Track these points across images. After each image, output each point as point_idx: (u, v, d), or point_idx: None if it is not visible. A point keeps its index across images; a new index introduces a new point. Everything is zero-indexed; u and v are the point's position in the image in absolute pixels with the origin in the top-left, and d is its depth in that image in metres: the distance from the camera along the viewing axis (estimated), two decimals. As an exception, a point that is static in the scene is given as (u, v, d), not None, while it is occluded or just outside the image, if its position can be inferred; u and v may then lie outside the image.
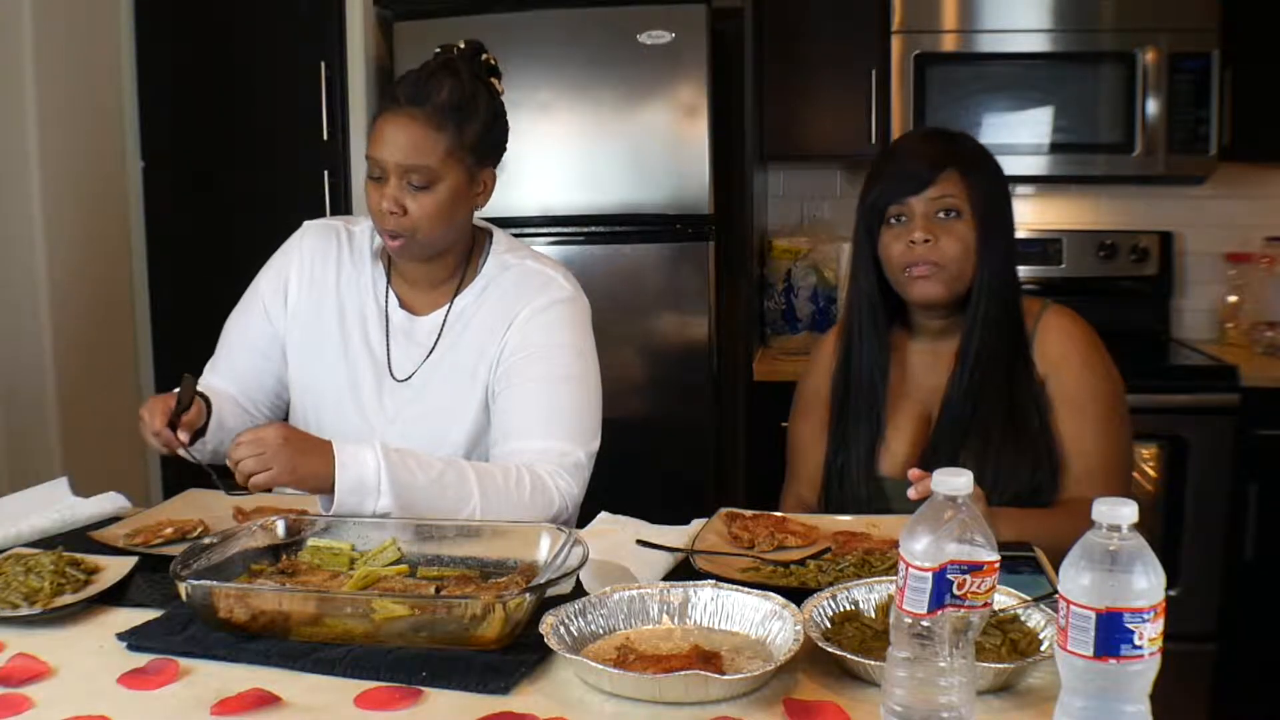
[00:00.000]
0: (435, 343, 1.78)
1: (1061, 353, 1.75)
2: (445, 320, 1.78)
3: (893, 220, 1.76)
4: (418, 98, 1.65)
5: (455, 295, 1.79)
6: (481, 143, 1.70)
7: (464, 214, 1.73)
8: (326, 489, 1.50)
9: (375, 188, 1.68)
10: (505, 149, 1.77)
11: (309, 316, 1.83)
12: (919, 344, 1.84)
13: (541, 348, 1.73)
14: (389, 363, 1.79)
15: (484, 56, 1.74)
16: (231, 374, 1.85)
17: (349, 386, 1.78)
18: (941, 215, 1.73)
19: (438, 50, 1.73)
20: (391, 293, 1.82)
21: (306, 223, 1.91)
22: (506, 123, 1.76)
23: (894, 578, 1.00)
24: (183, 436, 1.58)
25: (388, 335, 1.80)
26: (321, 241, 1.86)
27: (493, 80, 1.74)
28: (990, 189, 1.76)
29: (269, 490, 1.56)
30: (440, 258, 1.76)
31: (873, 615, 1.22)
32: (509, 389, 1.73)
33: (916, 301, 1.78)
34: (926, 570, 0.94)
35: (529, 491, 1.61)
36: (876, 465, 1.79)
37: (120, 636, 1.24)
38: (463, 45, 1.73)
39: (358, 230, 1.86)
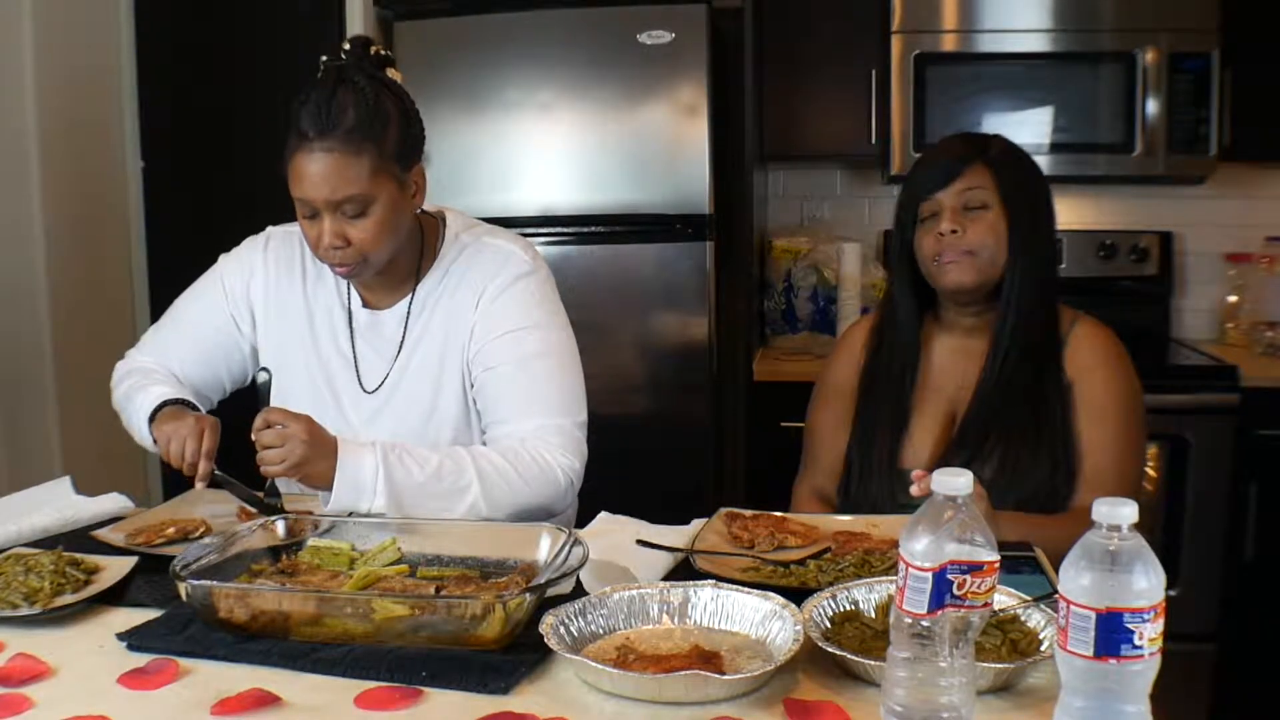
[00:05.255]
0: (403, 337, 1.78)
1: (1092, 360, 1.77)
2: (409, 311, 1.78)
3: (925, 218, 1.78)
4: (326, 127, 1.58)
5: (416, 285, 1.78)
6: (401, 148, 1.64)
7: (406, 220, 1.70)
8: (327, 486, 1.56)
9: (310, 225, 1.64)
10: (424, 139, 1.71)
11: (280, 333, 1.82)
12: (950, 339, 1.85)
13: (512, 328, 1.73)
14: (357, 368, 1.79)
15: (372, 50, 1.67)
16: (179, 359, 1.86)
17: (330, 397, 1.78)
18: (970, 208, 1.75)
19: (324, 59, 1.66)
20: (353, 291, 1.81)
21: (270, 229, 1.89)
22: (418, 114, 1.70)
23: (894, 578, 1.00)
24: (205, 467, 1.63)
25: (353, 337, 1.80)
26: (285, 251, 1.85)
27: (389, 71, 1.68)
28: (1022, 182, 1.78)
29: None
30: (393, 261, 1.73)
31: (873, 615, 1.21)
32: (487, 373, 1.73)
33: (948, 289, 1.79)
34: (926, 570, 0.94)
35: (530, 469, 1.64)
36: (899, 459, 1.80)
37: (120, 636, 1.24)
38: (348, 46, 1.66)
39: None
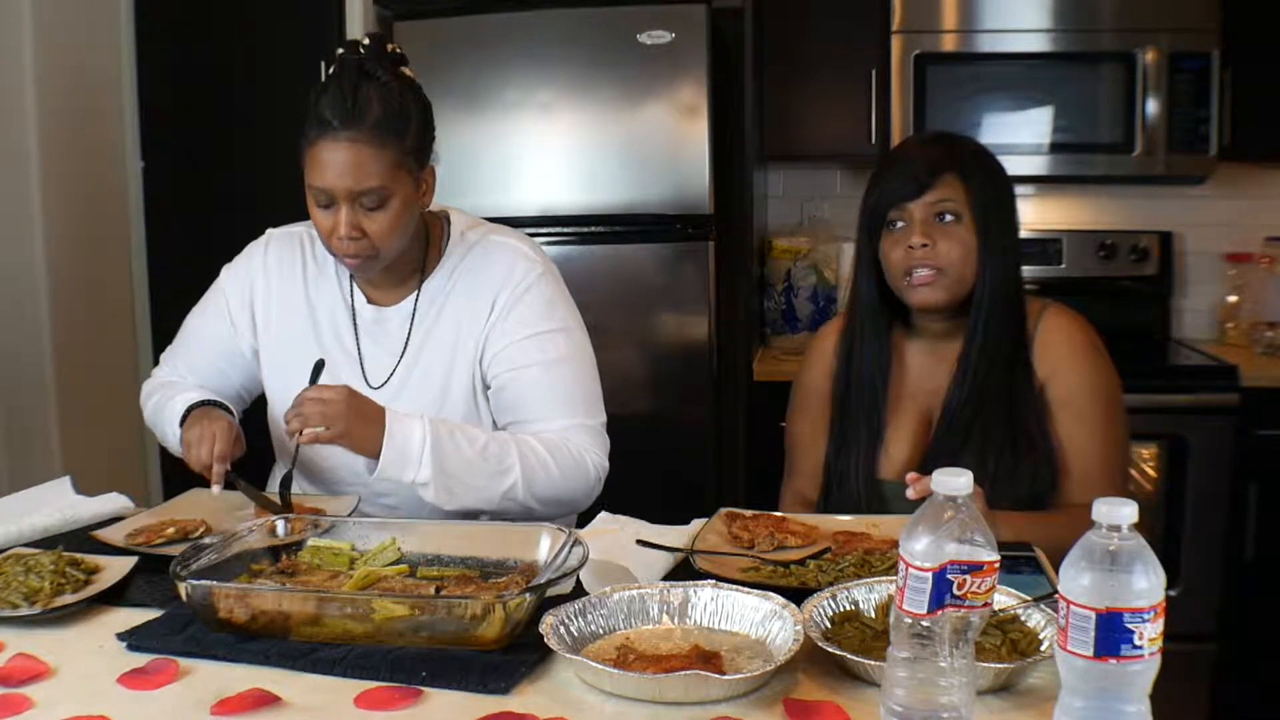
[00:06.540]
0: (408, 335, 1.78)
1: (1061, 355, 1.75)
2: (415, 309, 1.78)
3: (892, 225, 1.76)
4: (352, 118, 1.58)
5: (422, 282, 1.78)
6: (419, 146, 1.66)
7: (416, 219, 1.71)
8: (373, 453, 1.58)
9: (325, 215, 1.64)
10: (435, 138, 1.72)
11: (281, 332, 1.83)
12: (920, 345, 1.83)
13: (535, 331, 1.75)
14: (362, 364, 1.79)
15: (389, 47, 1.67)
16: (193, 372, 1.89)
17: None
18: (941, 219, 1.73)
19: (340, 51, 1.65)
20: (357, 290, 1.81)
21: (270, 231, 1.90)
22: (432, 113, 1.71)
23: (894, 578, 1.00)
24: (218, 470, 1.66)
25: (357, 334, 1.80)
26: (286, 251, 1.85)
27: (404, 70, 1.68)
28: (992, 192, 1.75)
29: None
30: (399, 258, 1.74)
31: (873, 615, 1.21)
32: (512, 375, 1.74)
33: (918, 307, 1.77)
34: (926, 570, 0.94)
35: (567, 462, 1.69)
36: (876, 468, 1.79)
37: (120, 636, 1.24)
38: (367, 42, 1.66)
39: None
